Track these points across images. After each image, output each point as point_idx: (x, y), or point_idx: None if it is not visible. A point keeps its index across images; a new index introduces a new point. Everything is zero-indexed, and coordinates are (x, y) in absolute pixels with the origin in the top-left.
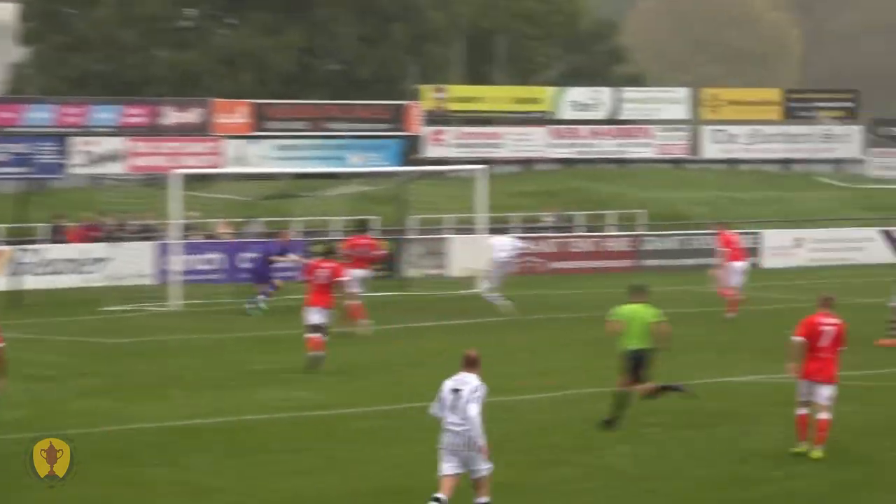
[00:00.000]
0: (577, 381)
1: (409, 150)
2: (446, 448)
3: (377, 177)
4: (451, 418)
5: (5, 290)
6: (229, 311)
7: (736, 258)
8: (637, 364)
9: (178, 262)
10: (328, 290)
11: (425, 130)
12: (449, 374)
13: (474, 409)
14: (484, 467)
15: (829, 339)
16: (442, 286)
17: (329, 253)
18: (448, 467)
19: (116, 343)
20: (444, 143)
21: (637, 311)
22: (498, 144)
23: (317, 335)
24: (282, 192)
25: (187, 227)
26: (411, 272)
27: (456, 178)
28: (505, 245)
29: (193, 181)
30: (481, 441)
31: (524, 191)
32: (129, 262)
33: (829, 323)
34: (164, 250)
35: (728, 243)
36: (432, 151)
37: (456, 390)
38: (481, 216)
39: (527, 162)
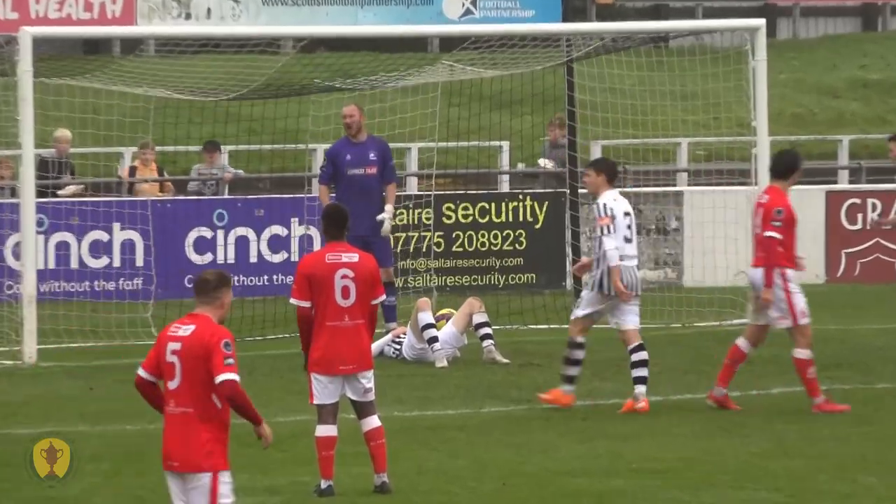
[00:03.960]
0: None
1: None
2: None
3: (507, 47)
4: None
5: None
6: None
7: None
8: None
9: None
10: None
11: None
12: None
13: None
14: None
15: None
16: (669, 303)
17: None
18: None
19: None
20: None
21: None
22: None
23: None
24: (286, 84)
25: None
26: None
27: (692, 49)
28: None
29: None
30: None
31: (861, 79)
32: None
33: None
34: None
35: None
36: None
37: None
38: (761, 140)
39: (865, 12)
